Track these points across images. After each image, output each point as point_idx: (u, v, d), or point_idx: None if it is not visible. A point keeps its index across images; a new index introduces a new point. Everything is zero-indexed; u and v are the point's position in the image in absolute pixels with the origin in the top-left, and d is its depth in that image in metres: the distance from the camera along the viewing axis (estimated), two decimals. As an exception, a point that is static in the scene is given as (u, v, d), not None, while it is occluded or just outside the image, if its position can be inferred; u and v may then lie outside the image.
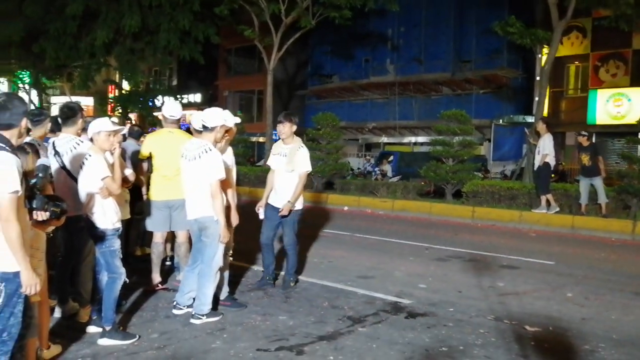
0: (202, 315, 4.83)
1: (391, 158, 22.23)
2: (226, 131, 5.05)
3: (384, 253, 8.45)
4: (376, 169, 21.64)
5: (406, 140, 29.85)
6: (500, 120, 24.33)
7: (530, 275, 7.19)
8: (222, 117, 4.90)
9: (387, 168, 21.32)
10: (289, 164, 5.78)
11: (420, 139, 28.63)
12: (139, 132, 7.08)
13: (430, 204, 13.68)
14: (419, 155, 22.13)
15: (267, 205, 5.96)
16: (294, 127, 5.90)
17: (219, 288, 5.14)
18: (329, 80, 31.40)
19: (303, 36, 21.06)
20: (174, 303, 5.10)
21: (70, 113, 4.79)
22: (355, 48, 28.59)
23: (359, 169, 22.99)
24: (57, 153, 4.67)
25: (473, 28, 25.93)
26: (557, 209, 11.58)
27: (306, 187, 15.99)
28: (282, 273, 6.24)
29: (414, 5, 26.25)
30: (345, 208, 14.47)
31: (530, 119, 18.47)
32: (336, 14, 19.05)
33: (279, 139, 6.05)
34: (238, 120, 5.36)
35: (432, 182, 15.13)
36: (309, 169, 5.93)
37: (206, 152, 4.75)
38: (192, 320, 4.82)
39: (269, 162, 6.13)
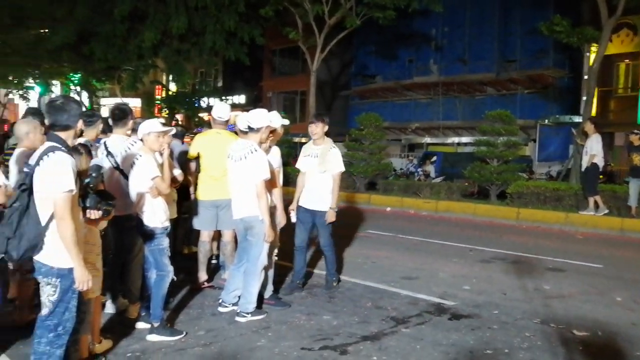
0: (247, 314, 4.91)
1: (434, 158, 22.00)
2: (271, 132, 5.12)
3: (428, 254, 8.39)
4: (419, 169, 21.45)
5: (450, 140, 29.46)
6: (546, 121, 23.72)
7: (577, 278, 7.01)
8: (267, 118, 4.97)
9: (430, 169, 21.12)
10: (322, 165, 5.73)
11: (464, 140, 28.21)
12: (182, 132, 7.25)
13: (475, 205, 13.50)
14: (462, 156, 21.82)
15: (299, 207, 5.90)
16: (326, 128, 5.88)
17: (263, 287, 5.22)
18: (372, 80, 31.31)
19: (347, 37, 21.06)
20: (220, 301, 5.21)
21: (122, 114, 4.97)
22: (399, 48, 28.41)
23: (401, 169, 22.83)
24: (109, 153, 4.83)
25: (518, 27, 25.40)
26: (606, 211, 11.24)
27: (348, 188, 16.16)
28: (324, 273, 6.27)
29: (457, 6, 25.90)
30: (388, 209, 14.42)
31: (577, 119, 17.97)
32: (380, 14, 18.99)
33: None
34: (286, 122, 5.41)
35: (476, 183, 14.91)
36: (343, 169, 5.89)
37: (252, 152, 4.83)
38: (238, 318, 4.92)
39: (298, 165, 6.04)
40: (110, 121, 5.09)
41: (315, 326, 4.88)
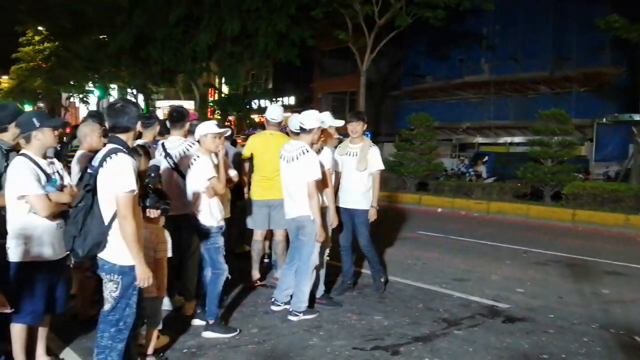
0: (299, 313, 4.98)
1: (486, 159, 21.57)
2: (322, 133, 5.17)
3: (480, 256, 8.26)
4: (470, 169, 21.09)
5: (501, 140, 28.81)
6: (604, 119, 22.86)
7: (638, 283, 6.75)
8: (319, 120, 5.02)
9: (482, 169, 20.72)
10: (361, 163, 5.66)
11: (517, 139, 27.52)
12: (230, 134, 7.38)
13: (528, 206, 13.17)
14: (515, 156, 21.31)
15: (338, 208, 5.67)
16: (365, 126, 5.84)
17: (315, 286, 5.27)
18: (422, 80, 30.98)
19: (396, 37, 20.95)
20: (272, 299, 5.29)
21: (179, 117, 5.13)
22: (449, 47, 28.00)
23: (452, 169, 22.49)
24: (167, 154, 4.99)
25: (573, 24, 24.57)
26: (671, 214, 10.78)
27: (398, 189, 16.06)
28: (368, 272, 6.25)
29: (510, 3, 25.30)
30: (439, 210, 14.25)
31: (637, 117, 17.23)
32: (430, 13, 18.81)
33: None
34: (339, 123, 5.42)
35: (529, 184, 14.54)
36: (382, 167, 5.83)
37: (303, 153, 4.89)
38: (290, 317, 4.99)
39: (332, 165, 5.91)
40: (168, 123, 5.25)
41: (367, 326, 4.90)
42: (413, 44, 29.48)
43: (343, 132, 6.06)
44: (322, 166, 4.97)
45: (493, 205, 13.73)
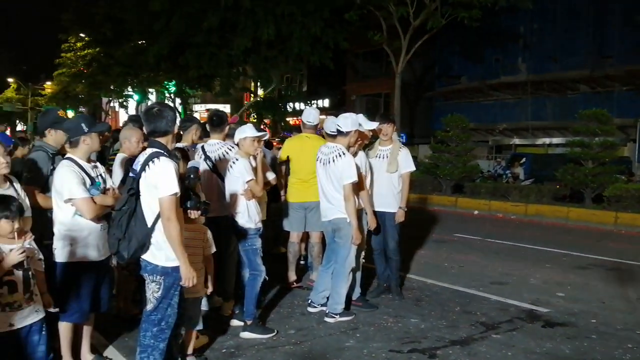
0: (336, 314, 5.00)
1: (523, 160, 21.20)
2: (359, 135, 5.17)
3: (518, 259, 8.13)
4: (507, 171, 20.76)
5: (539, 141, 28.28)
6: (649, 119, 22.20)
7: (687, 289, 6.55)
8: (356, 122, 5.02)
9: (519, 171, 20.36)
10: (392, 165, 5.60)
11: (555, 140, 26.96)
12: (266, 136, 7.44)
13: (568, 209, 12.89)
14: (553, 158, 20.88)
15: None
16: (394, 128, 5.79)
17: (351, 288, 5.28)
18: (457, 81, 30.66)
19: (430, 37, 20.79)
20: (309, 301, 5.32)
21: (219, 121, 5.24)
22: (484, 47, 27.63)
23: (489, 171, 22.18)
24: (207, 157, 5.08)
25: (614, 20, 23.94)
26: None
27: (434, 191, 15.91)
28: (410, 276, 6.23)
29: (547, 0, 24.83)
30: (476, 212, 14.07)
31: (683, 117, 16.71)
32: (465, 13, 18.59)
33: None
34: (373, 125, 5.42)
35: (569, 186, 14.21)
36: (414, 168, 5.78)
37: (340, 156, 4.91)
38: (326, 319, 5.01)
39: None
40: (207, 127, 5.34)
41: (403, 329, 4.88)
42: (447, 45, 29.20)
43: (376, 135, 6.00)
44: (358, 169, 4.98)
45: (531, 207, 13.49)
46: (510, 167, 21.13)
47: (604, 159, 13.48)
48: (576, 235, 10.76)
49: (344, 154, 4.91)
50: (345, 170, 4.86)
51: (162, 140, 3.44)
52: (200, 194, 4.09)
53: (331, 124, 5.40)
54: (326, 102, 34.59)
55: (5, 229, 3.18)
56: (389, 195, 5.62)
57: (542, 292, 6.23)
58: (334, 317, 5.00)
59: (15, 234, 3.21)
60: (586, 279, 6.96)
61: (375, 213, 5.45)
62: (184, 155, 4.11)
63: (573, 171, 13.51)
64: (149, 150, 3.42)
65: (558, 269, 7.51)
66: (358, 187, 5.07)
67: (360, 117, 5.18)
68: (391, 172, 5.61)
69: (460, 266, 7.55)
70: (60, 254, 3.67)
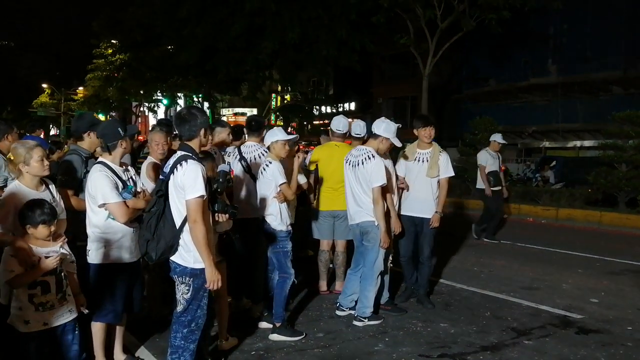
0: (364, 318, 4.97)
1: (554, 163, 20.82)
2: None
3: (549, 264, 7.98)
4: (537, 175, 20.42)
5: (570, 144, 27.76)
6: (687, 121, 21.58)
7: None
8: (391, 130, 4.95)
9: (550, 174, 20.00)
10: (432, 170, 5.48)
11: (587, 143, 26.44)
12: (297, 139, 7.47)
13: (600, 213, 12.60)
14: (585, 161, 20.44)
15: (401, 216, 5.48)
16: (434, 131, 5.64)
17: (379, 292, 5.25)
18: (485, 83, 30.31)
19: (458, 39, 20.62)
20: (337, 304, 5.31)
21: (257, 126, 5.34)
22: (513, 49, 27.23)
23: (518, 175, 21.85)
24: (242, 158, 5.14)
25: (648, 19, 23.38)
26: None
27: (462, 194, 15.72)
28: (439, 280, 6.17)
29: (578, 0, 24.36)
30: (505, 216, 13.85)
31: None
32: (494, 15, 18.38)
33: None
34: (400, 144, 5.36)
35: (601, 190, 13.90)
36: (453, 173, 5.63)
37: (369, 158, 4.89)
38: (355, 322, 4.99)
39: (400, 172, 5.57)
40: (245, 130, 5.44)
41: (432, 333, 4.84)
42: (474, 46, 28.86)
43: (406, 138, 5.92)
44: (387, 172, 4.95)
45: (562, 211, 13.23)
46: (540, 170, 20.79)
47: (639, 162, 13.15)
48: (609, 240, 10.52)
49: (373, 156, 4.89)
50: (374, 173, 4.84)
51: (191, 143, 3.49)
52: (226, 199, 4.11)
53: (357, 126, 5.39)
54: (352, 106, 34.60)
55: (42, 234, 3.26)
56: (428, 200, 5.50)
57: (575, 297, 6.11)
58: (363, 321, 4.97)
59: (51, 237, 3.29)
60: (620, 284, 6.80)
61: (400, 217, 5.38)
62: (211, 158, 4.15)
63: (606, 174, 13.21)
64: (179, 153, 3.48)
65: (591, 274, 7.35)
66: (385, 190, 5.04)
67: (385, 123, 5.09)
68: (432, 176, 5.50)
69: (490, 271, 7.44)
70: (94, 255, 3.74)
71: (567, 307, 5.72)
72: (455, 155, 17.53)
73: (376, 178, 4.83)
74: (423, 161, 5.53)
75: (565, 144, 28.02)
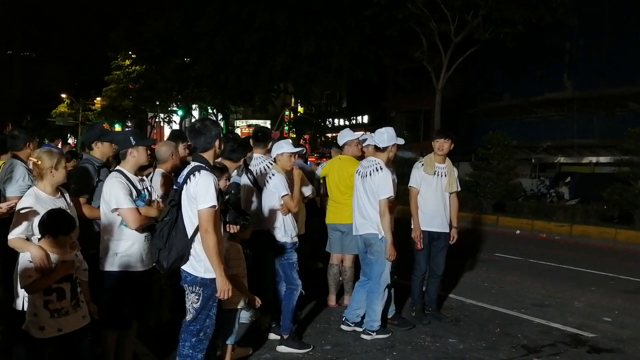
0: (372, 332, 4.95)
1: (568, 179, 20.65)
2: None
3: (562, 281, 7.89)
4: (552, 190, 20.26)
5: (586, 160, 27.52)
6: None
7: None
8: (393, 137, 5.00)
9: (565, 190, 19.85)
10: (452, 185, 5.47)
11: (602, 159, 26.19)
12: (304, 153, 7.48)
13: (616, 231, 12.44)
14: (601, 177, 20.26)
15: (424, 232, 5.43)
16: (452, 145, 5.60)
17: (387, 305, 5.22)
18: (499, 97, 30.22)
19: (472, 53, 20.64)
20: (343, 319, 5.28)
21: (264, 137, 5.35)
22: (528, 63, 27.16)
23: (532, 190, 21.68)
24: (249, 171, 5.17)
25: (665, 33, 23.18)
26: None
27: (475, 209, 15.65)
28: (448, 295, 6.12)
29: (594, 15, 24.21)
30: (518, 232, 13.76)
31: None
32: (509, 30, 18.38)
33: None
34: (402, 141, 5.38)
35: (618, 207, 13.74)
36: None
37: (377, 170, 4.91)
38: (363, 336, 4.98)
39: (415, 184, 5.50)
40: (251, 141, 5.45)
41: (441, 348, 4.80)
42: (489, 61, 28.81)
43: (420, 150, 5.92)
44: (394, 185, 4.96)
45: (576, 228, 13.10)
46: (555, 186, 20.63)
47: (655, 179, 13.02)
48: (624, 257, 10.39)
49: (381, 168, 4.90)
50: (382, 186, 4.84)
51: (204, 154, 3.54)
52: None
53: (371, 139, 5.40)
54: (365, 119, 34.63)
55: (62, 243, 3.31)
56: (447, 215, 5.49)
57: (588, 316, 6.03)
58: (371, 335, 4.95)
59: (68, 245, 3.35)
60: (635, 303, 6.70)
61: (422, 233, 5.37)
62: (224, 171, 4.19)
63: (621, 191, 13.09)
64: (192, 164, 3.53)
65: (605, 292, 7.25)
66: (393, 203, 5.04)
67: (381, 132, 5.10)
68: (451, 191, 5.49)
69: (501, 286, 7.38)
70: (106, 263, 3.78)
71: (579, 325, 5.65)
72: (468, 170, 17.49)
73: (383, 190, 4.83)
74: (442, 175, 5.48)
75: (580, 160, 27.77)
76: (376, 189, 4.87)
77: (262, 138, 5.33)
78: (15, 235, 3.35)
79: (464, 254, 9.41)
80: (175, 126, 35.13)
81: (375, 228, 4.89)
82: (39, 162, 3.48)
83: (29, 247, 3.27)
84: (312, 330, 5.20)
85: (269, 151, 5.27)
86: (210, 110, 32.28)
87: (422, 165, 5.52)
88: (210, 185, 3.38)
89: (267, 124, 31.64)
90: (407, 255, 5.60)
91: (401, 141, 5.14)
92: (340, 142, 6.02)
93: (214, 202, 3.36)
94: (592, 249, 11.46)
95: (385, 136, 5.00)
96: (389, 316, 5.36)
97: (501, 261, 9.43)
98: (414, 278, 5.59)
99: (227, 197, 3.90)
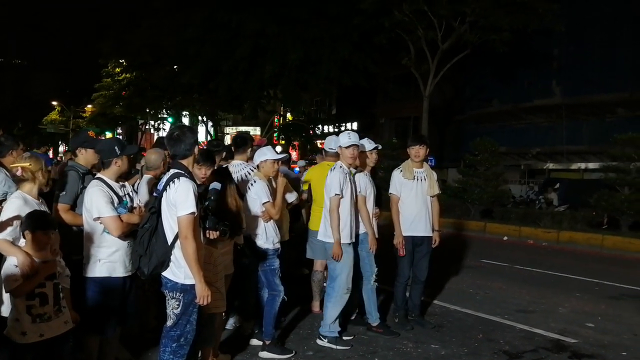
0: (324, 337, 4.91)
1: (557, 185, 20.78)
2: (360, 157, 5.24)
3: (547, 287, 7.94)
4: (540, 196, 20.38)
5: (575, 166, 27.70)
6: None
7: None
8: (338, 141, 5.13)
9: (553, 196, 19.97)
10: (434, 188, 5.53)
11: (591, 165, 26.36)
12: (288, 159, 7.51)
13: (602, 237, 12.51)
14: (589, 183, 20.40)
15: (406, 238, 5.45)
16: (428, 150, 5.66)
17: (349, 308, 5.25)
18: (488, 104, 30.38)
19: (460, 60, 20.79)
20: (318, 335, 5.07)
21: (243, 142, 5.36)
22: (516, 70, 27.32)
23: (521, 196, 21.81)
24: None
25: (655, 41, 23.37)
26: None
27: (462, 215, 15.69)
28: (433, 301, 6.14)
29: (583, 22, 24.43)
30: (505, 238, 13.82)
31: None
32: (496, 37, 18.53)
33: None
34: (372, 146, 5.45)
35: (605, 213, 13.83)
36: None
37: (330, 172, 5.03)
38: (317, 340, 4.94)
39: (394, 191, 5.56)
40: (232, 148, 5.46)
41: (423, 354, 4.82)
42: (478, 67, 28.96)
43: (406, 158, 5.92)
44: (355, 189, 5.08)
45: (563, 234, 13.19)
46: (544, 192, 20.76)
47: (641, 185, 13.12)
48: (610, 263, 10.47)
49: (332, 170, 5.01)
50: (327, 185, 4.94)
51: (183, 162, 3.57)
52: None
53: (330, 141, 5.54)
54: (355, 125, 34.70)
55: (40, 240, 3.31)
56: (429, 219, 5.52)
57: (571, 321, 6.07)
58: (322, 340, 4.91)
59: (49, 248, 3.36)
60: (619, 309, 6.75)
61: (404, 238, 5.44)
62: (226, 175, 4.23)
63: (608, 197, 13.19)
64: (172, 171, 3.56)
65: (589, 298, 7.30)
66: (361, 205, 5.18)
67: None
68: (433, 194, 5.54)
69: (486, 292, 7.41)
70: (88, 269, 3.79)
71: (562, 330, 5.68)
72: (455, 176, 17.58)
73: (329, 189, 4.91)
74: (421, 180, 5.52)
75: (569, 166, 27.96)
76: (328, 189, 4.95)
77: (242, 143, 5.33)
78: (1, 237, 3.38)
79: (450, 260, 9.46)
80: (164, 133, 35.12)
81: (328, 233, 4.94)
82: (30, 166, 3.55)
83: (16, 253, 3.29)
84: (295, 336, 5.21)
85: (250, 157, 5.29)
86: (200, 118, 32.28)
87: (401, 171, 5.57)
88: (189, 192, 3.40)
89: (257, 130, 31.68)
90: (390, 262, 5.60)
91: (369, 147, 5.38)
92: (327, 147, 6.06)
93: (193, 208, 3.38)
94: (579, 255, 11.54)
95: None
96: (374, 324, 5.35)
97: (487, 267, 9.48)
98: (397, 284, 5.59)
99: (206, 203, 3.90)
